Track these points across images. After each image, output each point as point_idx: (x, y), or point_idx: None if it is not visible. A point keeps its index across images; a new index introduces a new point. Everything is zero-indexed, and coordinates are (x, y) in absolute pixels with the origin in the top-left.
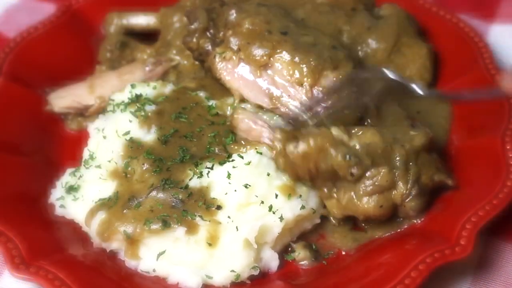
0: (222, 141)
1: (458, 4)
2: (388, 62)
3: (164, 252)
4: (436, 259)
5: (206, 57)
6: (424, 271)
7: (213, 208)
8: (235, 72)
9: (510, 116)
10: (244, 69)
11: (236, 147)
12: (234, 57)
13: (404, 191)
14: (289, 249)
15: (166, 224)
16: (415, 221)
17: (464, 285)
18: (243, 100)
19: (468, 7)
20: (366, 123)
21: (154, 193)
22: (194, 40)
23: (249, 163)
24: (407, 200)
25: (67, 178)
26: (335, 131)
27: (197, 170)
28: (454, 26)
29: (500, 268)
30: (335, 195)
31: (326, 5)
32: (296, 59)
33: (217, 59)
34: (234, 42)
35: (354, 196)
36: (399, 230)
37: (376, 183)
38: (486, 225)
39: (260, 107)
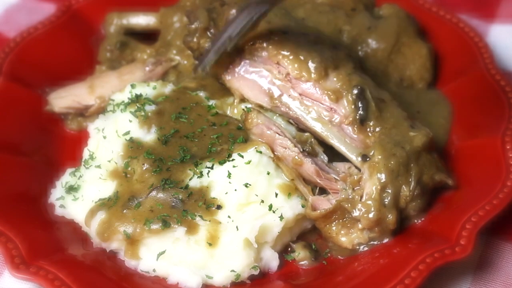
0: (229, 141)
1: (458, 4)
2: (388, 62)
3: (164, 252)
4: (436, 259)
5: None
6: (424, 271)
7: (213, 208)
8: (236, 72)
9: (510, 116)
10: (244, 68)
11: (243, 147)
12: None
13: (408, 193)
14: (289, 249)
15: (166, 224)
16: (415, 221)
17: (464, 285)
18: (243, 99)
19: (468, 7)
20: (368, 124)
21: (154, 193)
22: (195, 39)
23: (249, 162)
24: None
25: (67, 178)
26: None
27: (197, 170)
28: (454, 26)
29: (500, 268)
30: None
31: (326, 5)
32: (298, 58)
33: None
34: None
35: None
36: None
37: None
38: (486, 225)
39: (260, 107)
